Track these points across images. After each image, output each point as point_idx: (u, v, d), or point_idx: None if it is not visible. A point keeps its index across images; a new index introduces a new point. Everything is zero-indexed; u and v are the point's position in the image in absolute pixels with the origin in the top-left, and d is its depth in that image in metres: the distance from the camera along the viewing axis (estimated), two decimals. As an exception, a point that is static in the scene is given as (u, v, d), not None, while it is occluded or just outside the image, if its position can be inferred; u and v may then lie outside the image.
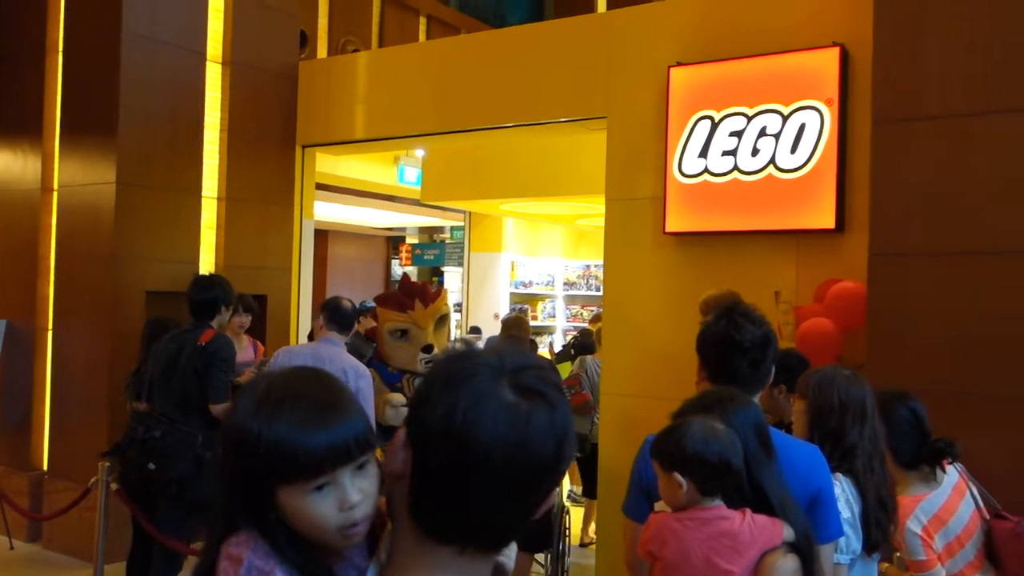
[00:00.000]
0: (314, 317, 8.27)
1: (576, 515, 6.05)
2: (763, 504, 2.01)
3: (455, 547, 1.03)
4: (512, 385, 1.02)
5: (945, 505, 2.71)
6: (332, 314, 4.72)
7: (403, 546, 1.07)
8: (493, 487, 1.00)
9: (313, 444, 1.11)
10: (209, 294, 4.61)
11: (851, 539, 2.32)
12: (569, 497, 6.31)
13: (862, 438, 2.47)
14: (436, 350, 5.18)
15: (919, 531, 2.60)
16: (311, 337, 5.98)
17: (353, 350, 5.07)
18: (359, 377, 4.54)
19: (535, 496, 1.05)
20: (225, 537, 1.18)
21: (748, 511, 1.99)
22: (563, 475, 1.09)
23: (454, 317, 9.69)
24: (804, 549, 1.99)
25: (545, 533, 5.10)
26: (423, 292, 5.16)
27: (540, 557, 5.42)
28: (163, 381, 4.47)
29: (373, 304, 5.44)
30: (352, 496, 1.14)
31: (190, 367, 4.39)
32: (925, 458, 2.73)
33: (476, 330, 9.78)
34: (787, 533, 1.97)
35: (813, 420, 2.53)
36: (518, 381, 1.02)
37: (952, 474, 2.80)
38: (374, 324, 5.35)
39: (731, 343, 2.28)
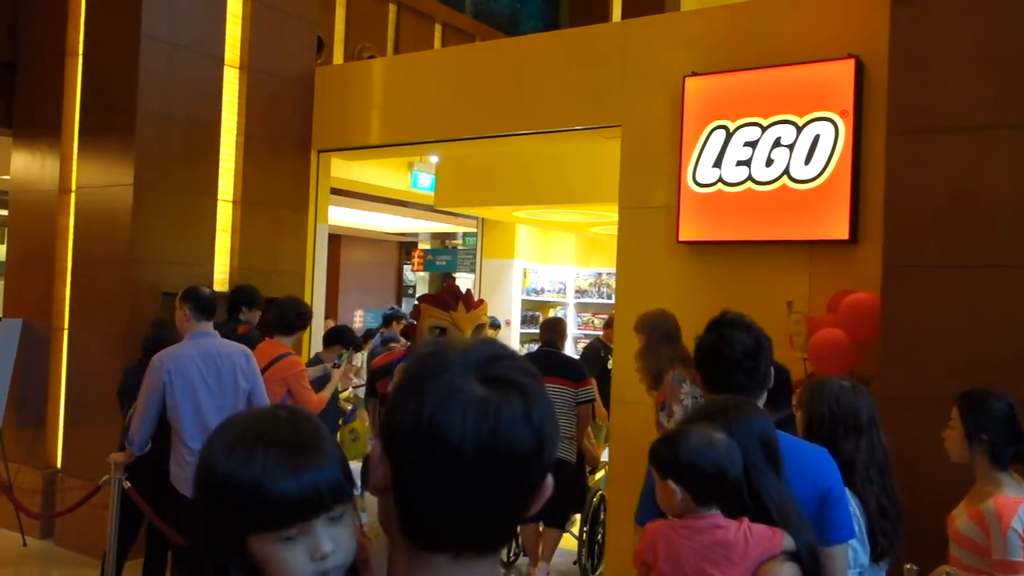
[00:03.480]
0: (327, 316, 8.32)
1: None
2: (764, 514, 1.99)
3: (448, 554, 0.99)
4: (480, 378, 0.98)
5: None
6: (197, 304, 4.55)
7: (398, 561, 1.04)
8: (472, 486, 0.96)
9: (284, 493, 1.08)
10: None
11: (859, 552, 2.32)
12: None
13: (858, 450, 2.47)
14: None
15: (1022, 531, 2.57)
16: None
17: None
18: (248, 357, 4.55)
19: (521, 490, 1.00)
20: None
21: (746, 520, 1.96)
22: (552, 464, 1.03)
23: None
24: (807, 560, 1.96)
25: (565, 508, 5.77)
26: (467, 298, 5.24)
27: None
28: None
29: (392, 309, 5.57)
30: (325, 546, 1.11)
31: None
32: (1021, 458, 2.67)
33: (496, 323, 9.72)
34: (787, 543, 1.94)
35: (806, 430, 2.54)
36: (487, 373, 0.99)
37: None
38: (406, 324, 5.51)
39: (721, 357, 2.28)
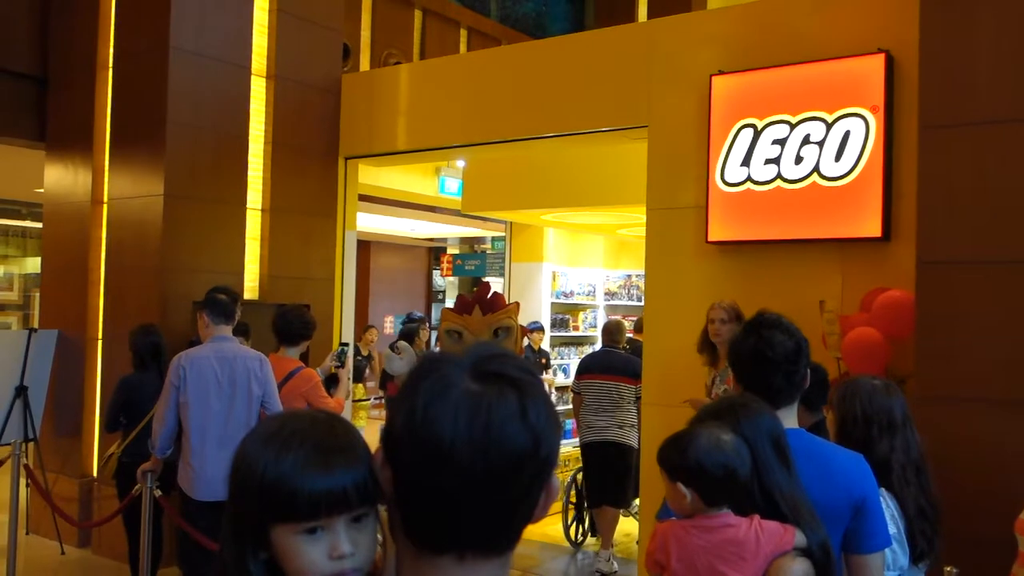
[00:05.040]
0: (357, 325, 8.35)
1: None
2: (776, 512, 1.98)
3: (452, 555, 0.99)
4: (475, 374, 0.97)
5: None
6: (214, 308, 4.65)
7: (405, 565, 1.04)
8: (467, 483, 0.95)
9: (312, 486, 1.10)
10: None
11: (898, 555, 2.28)
12: None
13: (893, 450, 2.43)
14: None
15: None
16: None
17: None
18: (263, 364, 4.60)
19: (520, 488, 0.98)
20: None
21: (756, 517, 1.96)
22: (552, 463, 1.00)
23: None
24: (819, 557, 1.95)
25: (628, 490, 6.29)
26: (488, 301, 5.22)
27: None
28: None
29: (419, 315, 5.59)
30: (344, 546, 1.12)
31: None
32: None
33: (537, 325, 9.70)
34: (799, 539, 1.93)
35: (839, 431, 2.50)
36: (481, 369, 0.98)
37: None
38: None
39: (763, 359, 2.23)
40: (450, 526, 0.98)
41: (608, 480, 6.51)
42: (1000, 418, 3.56)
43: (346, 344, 5.87)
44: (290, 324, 5.15)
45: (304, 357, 5.32)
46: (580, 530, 7.00)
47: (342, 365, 5.56)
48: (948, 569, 3.00)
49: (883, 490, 2.33)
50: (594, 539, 6.89)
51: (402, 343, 5.16)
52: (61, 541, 6.29)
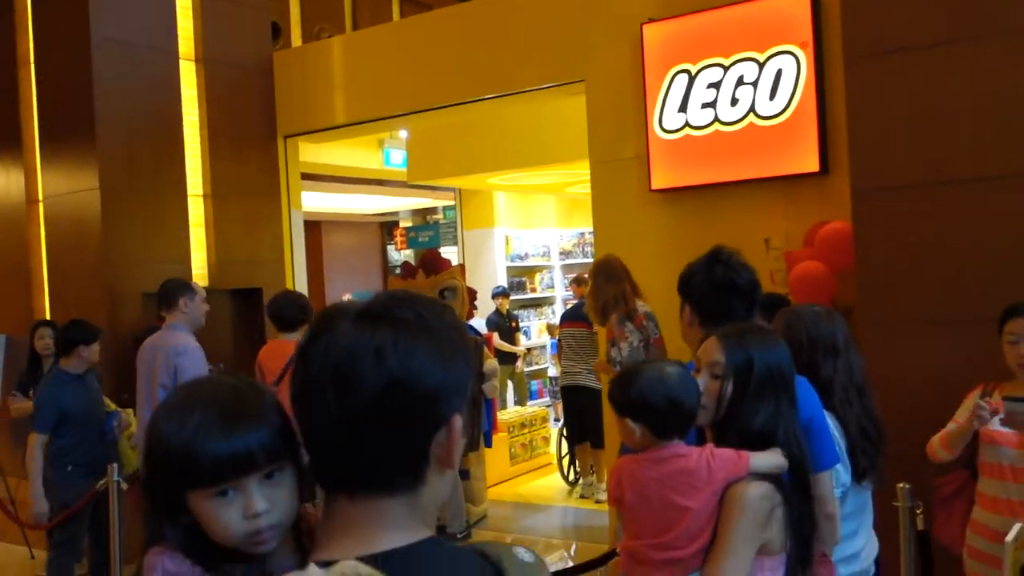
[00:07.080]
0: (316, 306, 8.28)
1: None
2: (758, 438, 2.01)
3: (343, 494, 0.97)
4: (357, 317, 0.97)
5: None
6: (158, 299, 4.85)
7: (322, 510, 1.03)
8: (328, 422, 0.94)
9: (214, 451, 1.12)
10: None
11: (841, 473, 2.34)
12: None
13: (836, 372, 2.49)
14: None
15: None
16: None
17: None
18: (177, 355, 4.59)
19: (387, 425, 0.94)
20: (151, 545, 1.21)
21: (709, 446, 1.99)
22: (433, 401, 0.96)
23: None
24: (780, 479, 1.97)
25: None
26: (432, 264, 5.27)
27: None
28: None
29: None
30: (257, 504, 1.14)
31: None
32: None
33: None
34: (755, 464, 1.94)
35: None
36: (367, 312, 0.98)
37: None
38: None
39: (733, 287, 2.32)
40: (330, 465, 0.98)
41: (583, 420, 6.90)
42: (941, 337, 3.64)
43: None
44: (281, 310, 5.16)
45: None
46: (573, 470, 7.51)
47: None
48: (900, 486, 3.09)
49: (826, 412, 2.39)
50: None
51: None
52: (29, 545, 6.21)
